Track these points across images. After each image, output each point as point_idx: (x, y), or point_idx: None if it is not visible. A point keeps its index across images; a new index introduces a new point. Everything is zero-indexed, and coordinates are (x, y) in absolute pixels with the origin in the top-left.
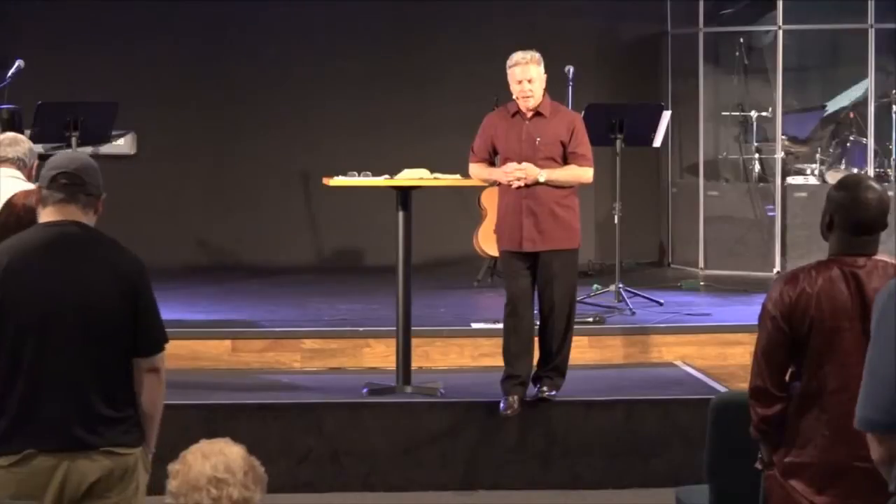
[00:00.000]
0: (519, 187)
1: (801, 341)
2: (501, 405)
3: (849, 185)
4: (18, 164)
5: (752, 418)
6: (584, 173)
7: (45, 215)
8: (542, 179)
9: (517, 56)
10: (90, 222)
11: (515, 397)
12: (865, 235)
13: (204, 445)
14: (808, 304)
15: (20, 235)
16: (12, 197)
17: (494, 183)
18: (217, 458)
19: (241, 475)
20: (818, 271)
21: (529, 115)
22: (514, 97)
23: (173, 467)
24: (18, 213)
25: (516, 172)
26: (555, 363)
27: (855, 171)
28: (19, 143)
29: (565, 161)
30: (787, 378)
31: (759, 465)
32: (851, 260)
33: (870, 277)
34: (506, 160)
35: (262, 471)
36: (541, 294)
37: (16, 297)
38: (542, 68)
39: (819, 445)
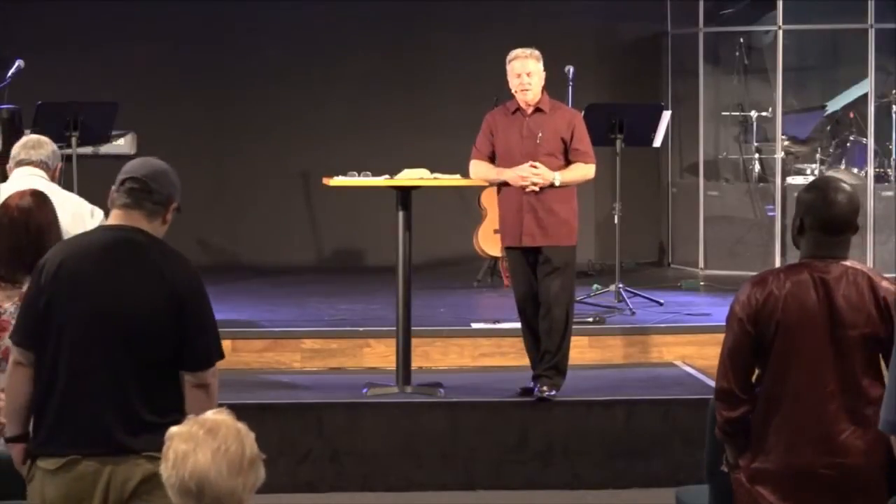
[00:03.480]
0: (524, 187)
1: (766, 344)
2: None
3: (818, 186)
4: (42, 166)
5: (717, 420)
6: (588, 171)
7: (111, 218)
8: (557, 183)
9: (517, 51)
10: (156, 230)
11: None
12: (836, 235)
13: (190, 461)
14: (776, 307)
15: (81, 235)
16: (7, 198)
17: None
18: (204, 487)
19: (231, 501)
20: (787, 275)
21: (529, 110)
22: (513, 91)
23: (164, 466)
24: (12, 215)
25: (533, 178)
26: (555, 362)
27: (861, 171)
28: (43, 145)
29: (566, 157)
30: (753, 380)
31: (724, 468)
32: (822, 265)
33: (838, 284)
34: (505, 157)
35: (258, 464)
36: (539, 290)
37: (65, 296)
38: (540, 65)
39: (783, 451)
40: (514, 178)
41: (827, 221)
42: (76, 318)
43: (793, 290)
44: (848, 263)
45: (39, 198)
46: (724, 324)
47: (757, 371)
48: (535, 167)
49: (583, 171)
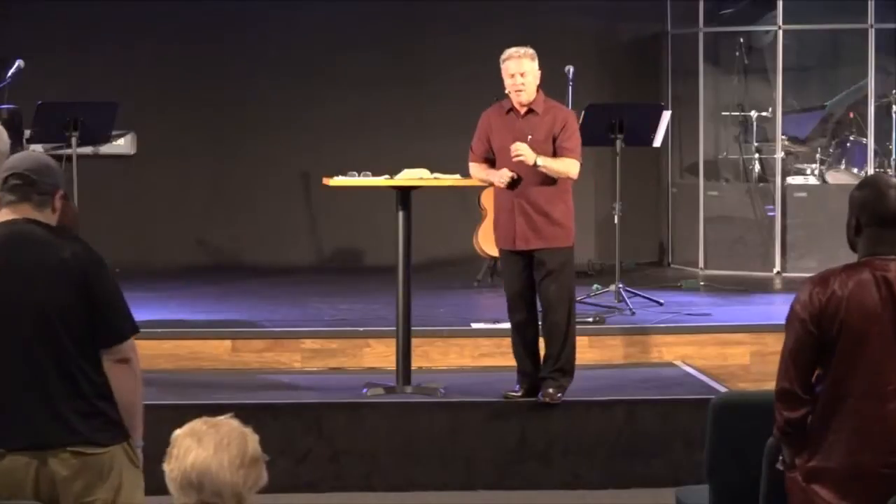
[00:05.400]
0: (512, 187)
1: (829, 344)
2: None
3: (869, 183)
4: None
5: (777, 420)
6: (571, 166)
7: (1, 216)
8: (539, 163)
9: (510, 50)
10: (48, 219)
11: (519, 386)
12: (894, 228)
13: (192, 454)
14: (839, 307)
15: None
16: None
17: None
18: (205, 479)
19: (231, 495)
20: (849, 274)
21: (522, 111)
22: (506, 91)
23: (168, 463)
24: None
25: (516, 152)
26: (559, 364)
27: (861, 171)
28: None
29: (556, 156)
30: (813, 380)
31: (780, 466)
32: (882, 263)
33: None
34: (500, 156)
35: (260, 463)
36: (538, 293)
37: None
38: (535, 64)
39: (843, 451)
40: (496, 178)
41: (882, 215)
42: None
43: (855, 290)
44: None
45: None
46: (723, 324)
47: (817, 371)
48: (517, 149)
49: (565, 164)
